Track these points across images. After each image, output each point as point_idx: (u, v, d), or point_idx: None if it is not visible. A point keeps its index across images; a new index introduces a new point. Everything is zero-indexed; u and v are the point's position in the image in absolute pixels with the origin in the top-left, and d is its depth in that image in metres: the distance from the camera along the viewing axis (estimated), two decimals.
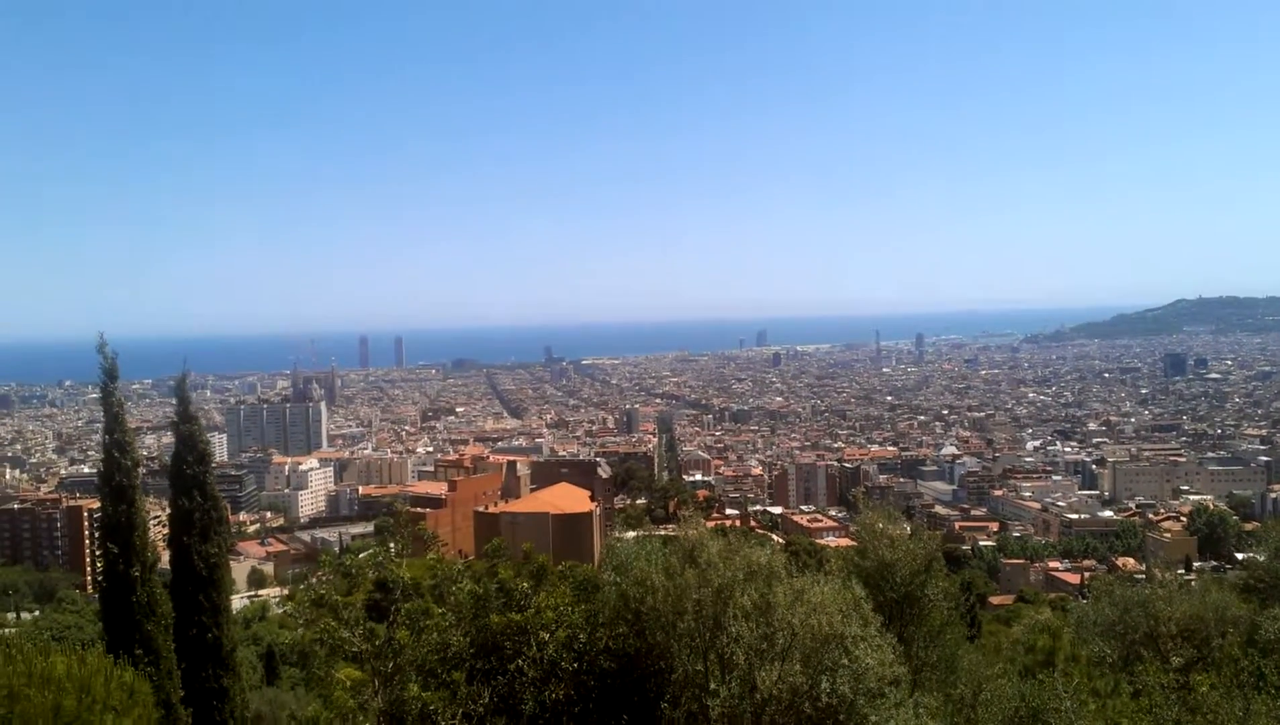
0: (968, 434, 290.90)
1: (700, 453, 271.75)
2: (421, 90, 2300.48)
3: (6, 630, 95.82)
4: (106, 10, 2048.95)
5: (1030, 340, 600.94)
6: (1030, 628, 29.70)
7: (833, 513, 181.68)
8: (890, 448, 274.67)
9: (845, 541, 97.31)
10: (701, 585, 14.05)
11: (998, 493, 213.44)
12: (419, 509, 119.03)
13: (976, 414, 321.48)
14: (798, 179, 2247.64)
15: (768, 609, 13.80)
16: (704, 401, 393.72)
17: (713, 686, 13.28)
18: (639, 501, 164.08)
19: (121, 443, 18.22)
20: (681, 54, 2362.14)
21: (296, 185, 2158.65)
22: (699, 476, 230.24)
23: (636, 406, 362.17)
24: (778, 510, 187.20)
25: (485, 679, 13.53)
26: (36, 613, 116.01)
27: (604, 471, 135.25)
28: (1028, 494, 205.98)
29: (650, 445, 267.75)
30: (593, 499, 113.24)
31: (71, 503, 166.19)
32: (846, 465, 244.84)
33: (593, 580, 16.16)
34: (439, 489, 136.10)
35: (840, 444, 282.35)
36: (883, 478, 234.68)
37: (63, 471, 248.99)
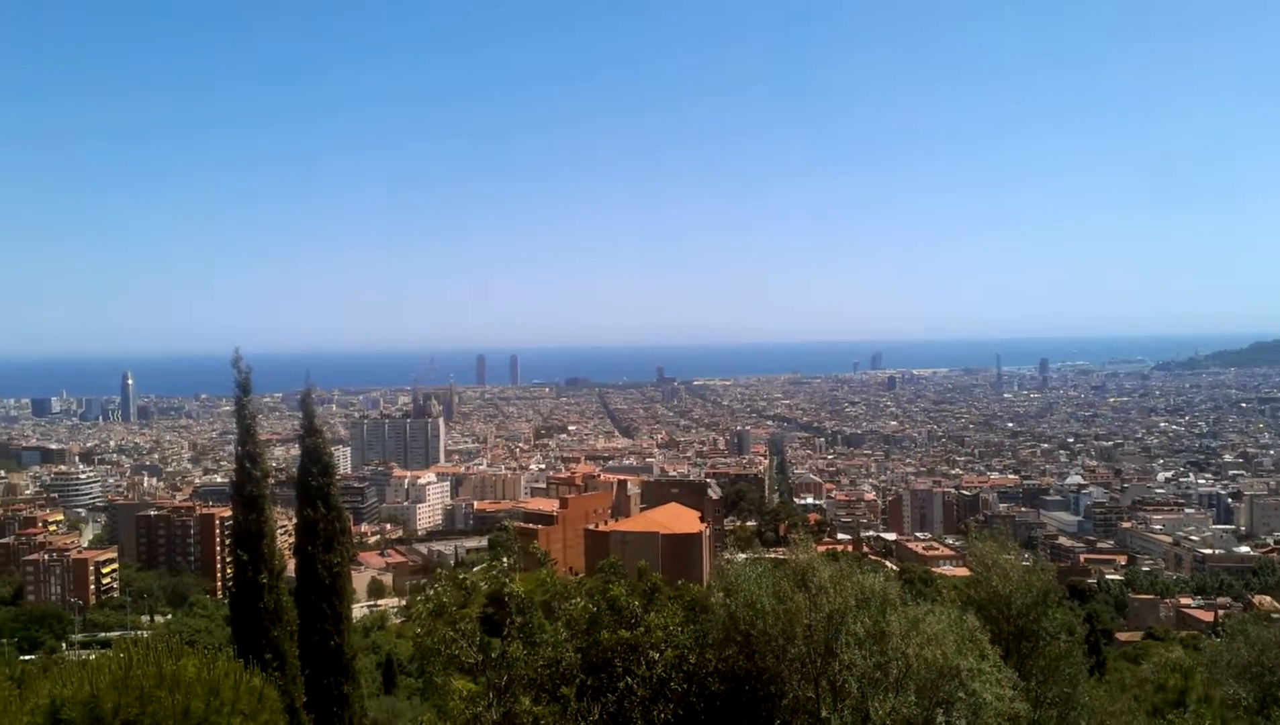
0: (1094, 463, 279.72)
1: (812, 476, 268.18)
2: (531, 116, 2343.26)
3: (141, 633, 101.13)
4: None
5: (1162, 367, 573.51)
6: (1160, 666, 28.25)
7: (949, 541, 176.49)
8: (1011, 476, 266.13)
9: (962, 571, 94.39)
10: (813, 610, 13.85)
11: (1126, 525, 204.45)
12: (531, 525, 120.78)
13: (1104, 443, 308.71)
14: (911, 201, 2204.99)
15: (881, 637, 13.52)
16: (816, 424, 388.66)
17: (824, 714, 13.07)
18: (749, 523, 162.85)
19: (253, 454, 19.03)
20: (780, 71, 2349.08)
21: (417, 207, 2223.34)
22: (810, 500, 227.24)
23: (747, 428, 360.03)
24: (891, 537, 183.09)
25: (595, 695, 13.60)
26: (169, 616, 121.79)
27: (714, 492, 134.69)
28: (1158, 527, 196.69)
29: (761, 467, 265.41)
30: (702, 520, 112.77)
31: (204, 511, 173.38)
32: (964, 492, 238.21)
33: (702, 601, 16.11)
34: (551, 506, 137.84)
35: (958, 471, 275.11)
36: (1003, 506, 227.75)
37: (197, 480, 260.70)
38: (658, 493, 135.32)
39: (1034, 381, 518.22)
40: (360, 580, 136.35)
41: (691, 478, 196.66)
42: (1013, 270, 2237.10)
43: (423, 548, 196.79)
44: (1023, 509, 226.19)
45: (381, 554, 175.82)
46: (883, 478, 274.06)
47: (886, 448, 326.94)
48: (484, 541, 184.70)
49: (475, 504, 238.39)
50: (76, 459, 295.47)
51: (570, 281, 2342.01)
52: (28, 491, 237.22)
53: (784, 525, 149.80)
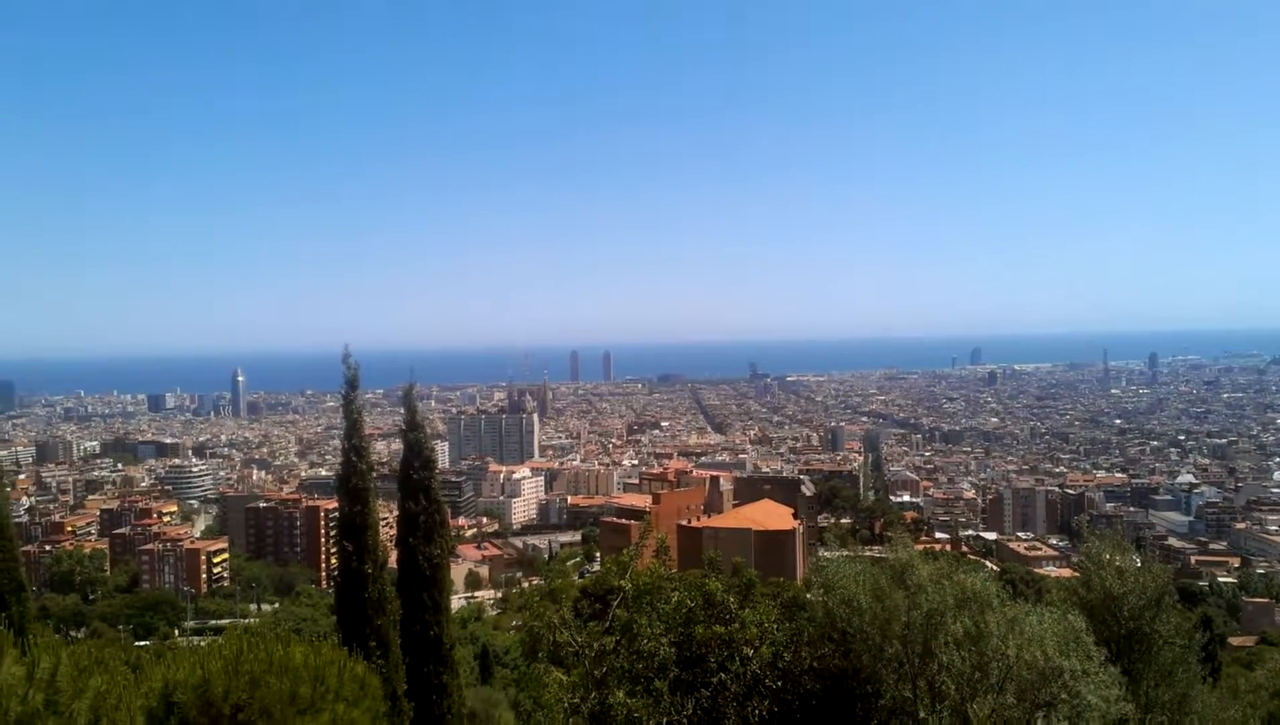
0: (1206, 462, 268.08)
1: (908, 473, 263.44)
2: (624, 120, 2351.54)
3: (250, 621, 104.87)
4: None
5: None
6: (1275, 672, 26.91)
7: (1053, 541, 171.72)
8: (1118, 474, 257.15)
9: (1066, 572, 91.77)
10: (911, 609, 13.62)
11: (1240, 526, 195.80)
12: (623, 521, 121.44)
13: (1217, 441, 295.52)
14: (1009, 192, 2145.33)
15: (981, 638, 13.22)
16: (913, 420, 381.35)
17: (922, 715, 12.85)
18: (843, 521, 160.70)
19: (359, 447, 19.50)
20: (868, 68, 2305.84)
21: (513, 205, 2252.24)
22: (907, 498, 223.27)
23: (842, 424, 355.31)
24: (991, 536, 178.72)
25: (689, 690, 13.60)
26: (276, 605, 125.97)
27: (807, 489, 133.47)
28: (1275, 528, 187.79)
29: (855, 464, 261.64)
30: (795, 517, 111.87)
31: (310, 503, 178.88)
32: (1069, 491, 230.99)
33: (798, 598, 15.98)
34: (643, 501, 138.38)
35: (1062, 469, 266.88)
36: (1109, 506, 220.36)
37: (303, 473, 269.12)
38: (751, 489, 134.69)
39: (1143, 376, 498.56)
40: (458, 573, 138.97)
41: (784, 474, 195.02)
42: (1121, 262, 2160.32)
43: (517, 541, 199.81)
44: (1131, 509, 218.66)
45: (478, 547, 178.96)
46: (983, 476, 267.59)
47: (987, 445, 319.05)
48: (577, 536, 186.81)
49: (569, 499, 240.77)
50: (190, 453, 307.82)
51: (663, 278, 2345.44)
52: (144, 484, 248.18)
53: (880, 523, 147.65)
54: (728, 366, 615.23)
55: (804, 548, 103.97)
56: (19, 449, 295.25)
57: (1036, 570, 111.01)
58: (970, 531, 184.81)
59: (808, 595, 16.27)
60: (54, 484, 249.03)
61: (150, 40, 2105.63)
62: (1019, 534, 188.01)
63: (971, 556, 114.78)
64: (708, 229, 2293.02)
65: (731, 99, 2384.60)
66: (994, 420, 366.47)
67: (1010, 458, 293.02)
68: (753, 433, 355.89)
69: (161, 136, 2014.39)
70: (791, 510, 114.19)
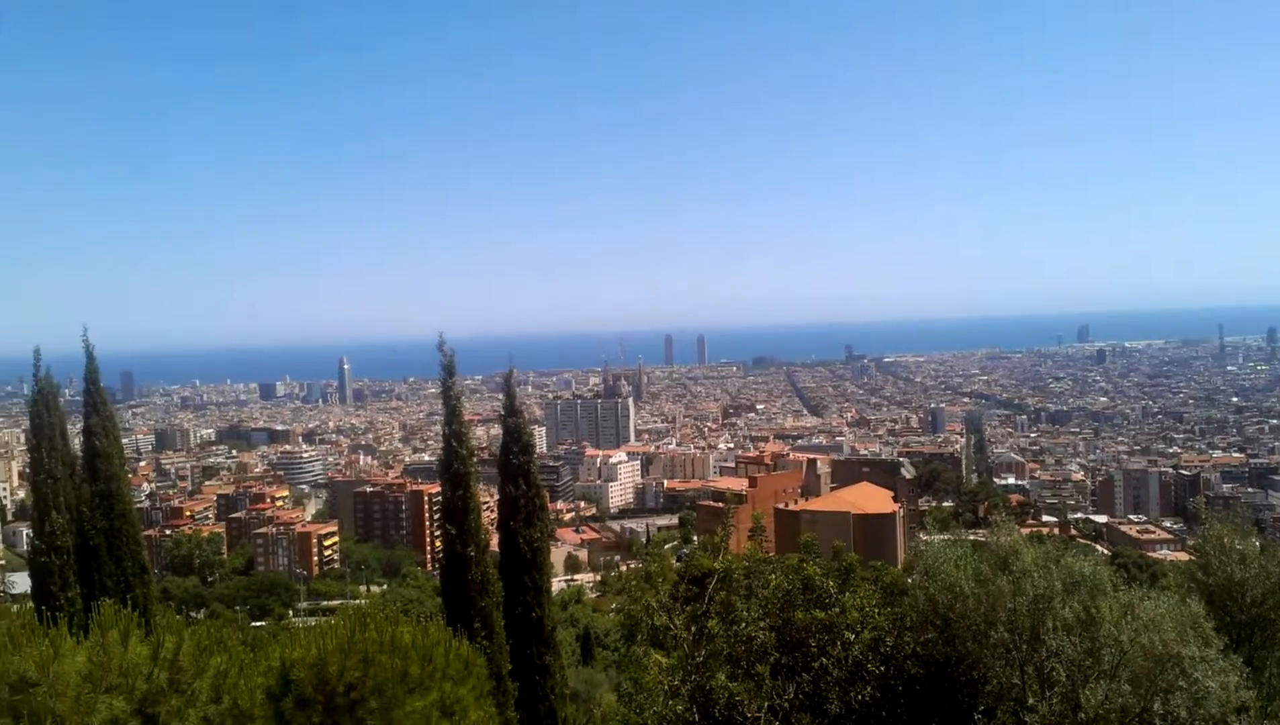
0: None
1: (1013, 455, 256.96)
2: (713, 95, 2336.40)
3: (359, 601, 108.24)
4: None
5: None
6: None
7: (1166, 523, 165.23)
8: (1236, 454, 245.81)
9: (1181, 555, 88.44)
10: (1017, 594, 13.31)
11: None
12: (720, 504, 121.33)
13: None
14: (1115, 157, 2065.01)
15: (1092, 623, 12.87)
16: (1017, 401, 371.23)
17: (1030, 701, 12.57)
18: (945, 504, 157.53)
19: (459, 433, 19.95)
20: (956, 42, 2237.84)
21: (607, 188, 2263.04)
22: (1011, 480, 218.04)
23: (942, 405, 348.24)
24: (1101, 519, 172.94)
25: (790, 675, 13.55)
26: (384, 586, 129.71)
27: (907, 472, 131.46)
28: None
29: (957, 446, 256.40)
30: (895, 500, 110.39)
31: (414, 487, 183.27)
32: (1183, 472, 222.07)
33: (899, 583, 15.78)
34: (740, 485, 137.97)
35: (1175, 449, 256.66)
36: (1227, 487, 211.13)
37: (407, 459, 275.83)
38: (848, 472, 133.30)
39: (1261, 353, 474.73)
40: (557, 556, 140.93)
41: (883, 457, 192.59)
42: (1237, 233, 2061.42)
43: (615, 525, 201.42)
44: (1249, 489, 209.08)
45: (576, 531, 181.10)
46: (1091, 457, 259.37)
47: (1096, 425, 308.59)
48: (674, 519, 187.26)
49: (665, 483, 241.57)
50: (300, 439, 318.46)
51: (756, 260, 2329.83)
52: (257, 469, 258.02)
53: (983, 506, 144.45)
54: (823, 348, 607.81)
55: (904, 531, 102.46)
56: (139, 437, 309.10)
57: (1150, 554, 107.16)
58: (1079, 514, 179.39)
59: (909, 580, 16.02)
60: (173, 470, 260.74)
61: (276, 27, 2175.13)
62: (1130, 517, 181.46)
63: (1080, 540, 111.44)
64: (801, 208, 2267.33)
65: (815, 75, 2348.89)
66: (1103, 399, 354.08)
67: (1121, 438, 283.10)
68: (850, 415, 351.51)
69: (264, 133, 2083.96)
70: (891, 493, 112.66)
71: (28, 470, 30.91)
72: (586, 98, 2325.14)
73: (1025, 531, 15.99)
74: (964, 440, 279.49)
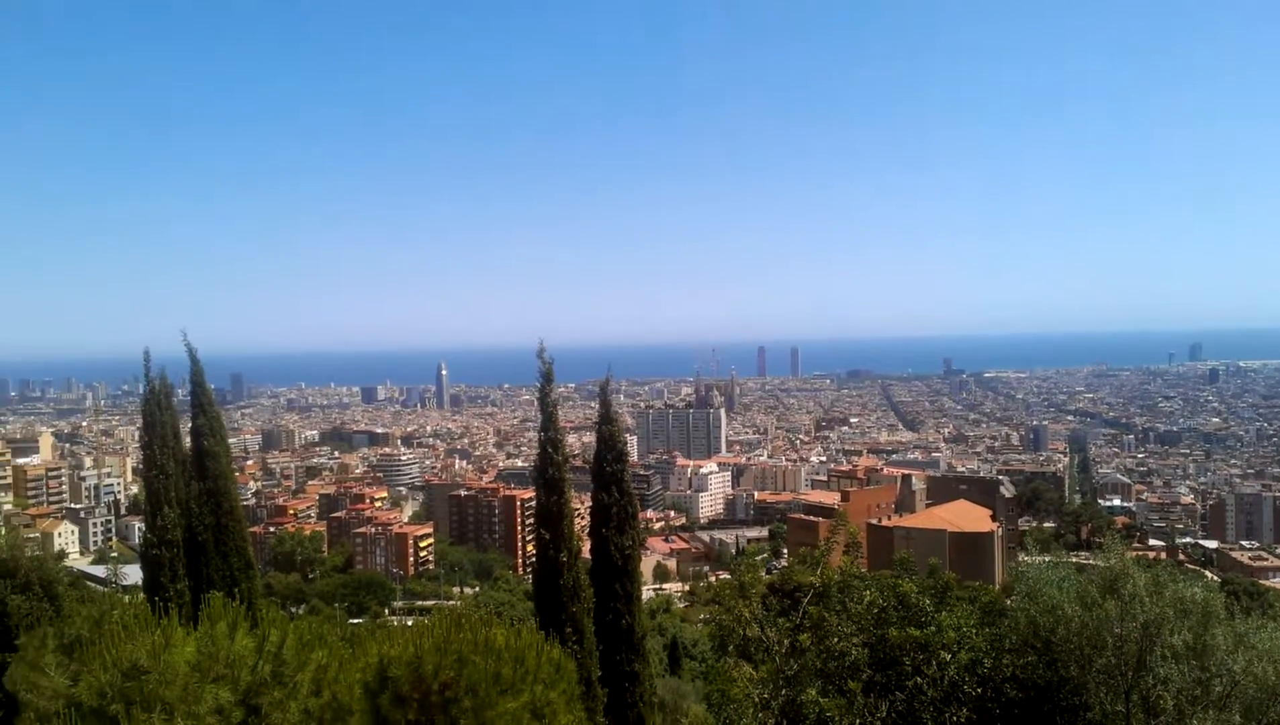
0: None
1: (1119, 476, 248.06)
2: (808, 109, 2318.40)
3: (453, 603, 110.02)
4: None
5: None
6: None
7: None
8: None
9: None
10: (1124, 619, 12.87)
11: None
12: (811, 518, 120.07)
13: None
14: (1234, 171, 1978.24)
15: (1203, 651, 12.38)
16: (1124, 420, 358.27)
17: None
18: (1045, 525, 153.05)
19: (554, 439, 20.12)
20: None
21: (703, 200, 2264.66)
22: (1117, 502, 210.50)
23: (1044, 423, 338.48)
24: (1212, 544, 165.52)
25: (882, 693, 13.32)
26: (476, 589, 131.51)
27: (1006, 491, 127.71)
28: None
29: (1060, 465, 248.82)
30: (993, 519, 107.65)
31: (507, 492, 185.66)
32: None
33: (997, 603, 15.38)
34: (831, 498, 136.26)
35: None
36: None
37: (500, 464, 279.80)
38: (945, 489, 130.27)
39: None
40: (646, 564, 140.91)
41: (981, 474, 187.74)
42: None
43: (704, 535, 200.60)
44: None
45: (666, 540, 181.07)
46: (1202, 480, 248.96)
47: (1207, 447, 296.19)
48: (764, 532, 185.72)
49: (755, 494, 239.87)
50: (398, 442, 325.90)
51: (853, 271, 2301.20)
52: (357, 470, 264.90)
53: (1087, 528, 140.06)
54: (920, 362, 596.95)
55: (1003, 552, 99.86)
56: (247, 437, 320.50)
57: (1262, 582, 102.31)
58: (1188, 539, 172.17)
59: (1008, 601, 15.60)
60: (278, 470, 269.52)
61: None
62: (1242, 543, 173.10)
63: (1189, 565, 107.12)
64: (897, 220, 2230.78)
65: (912, 89, 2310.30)
66: (1215, 420, 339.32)
67: (1234, 461, 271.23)
68: (947, 430, 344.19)
69: (371, 141, 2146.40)
70: (989, 512, 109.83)
71: (140, 467, 32.22)
72: (685, 110, 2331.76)
73: (1131, 555, 15.41)
74: (1067, 459, 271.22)
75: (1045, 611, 13.72)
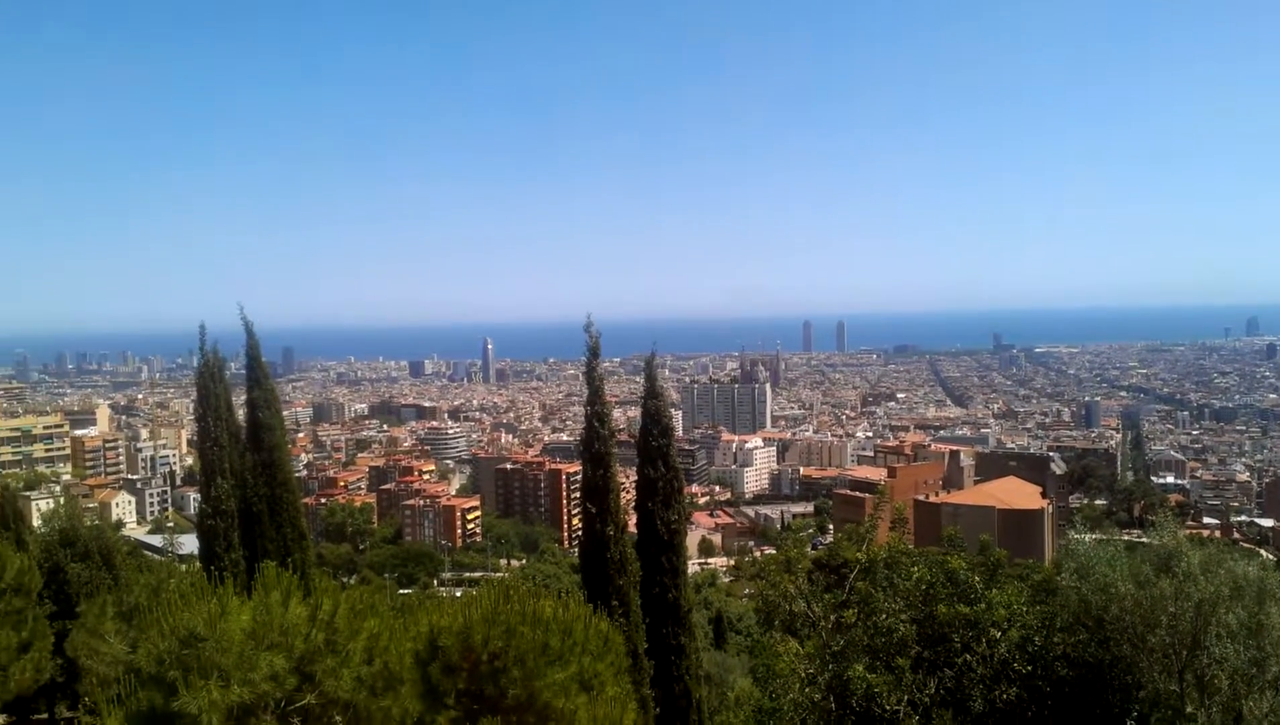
0: None
1: (1173, 453, 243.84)
2: (857, 79, 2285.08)
3: (499, 575, 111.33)
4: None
5: None
6: None
7: None
8: None
9: None
10: (1178, 598, 12.69)
11: None
12: (857, 493, 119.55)
13: None
14: None
15: (1259, 630, 12.17)
16: (1178, 396, 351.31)
17: (1189, 710, 11.98)
18: (1097, 502, 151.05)
19: (601, 414, 20.21)
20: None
21: (746, 175, 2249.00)
22: (1170, 479, 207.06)
23: (1097, 399, 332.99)
24: (1268, 523, 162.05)
25: (930, 669, 13.25)
26: (523, 561, 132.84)
27: (1057, 467, 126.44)
28: None
29: (1112, 442, 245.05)
30: (1044, 496, 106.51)
31: (552, 466, 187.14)
32: None
33: (1048, 581, 15.22)
34: (878, 474, 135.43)
35: None
36: None
37: (546, 438, 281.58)
38: (994, 465, 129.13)
39: None
40: (691, 539, 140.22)
41: (1031, 451, 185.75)
42: None
43: (749, 511, 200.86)
44: None
45: (710, 515, 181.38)
46: (1259, 457, 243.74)
47: (1264, 423, 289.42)
48: (809, 507, 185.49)
49: (800, 470, 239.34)
50: (445, 416, 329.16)
51: (899, 243, 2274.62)
52: (406, 444, 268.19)
53: (1139, 506, 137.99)
54: (968, 336, 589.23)
55: (1053, 529, 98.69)
56: (298, 410, 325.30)
57: None
58: (1243, 517, 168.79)
59: (1059, 578, 15.43)
60: (328, 442, 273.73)
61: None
62: None
63: (1244, 544, 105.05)
64: (945, 191, 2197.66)
65: (968, 57, 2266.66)
66: (1273, 396, 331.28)
67: None
68: (996, 406, 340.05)
69: (416, 116, 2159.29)
70: (1039, 489, 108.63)
71: (195, 438, 32.93)
72: (734, 86, 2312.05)
73: (1185, 533, 15.16)
74: (1119, 436, 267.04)
75: (1098, 589, 13.57)
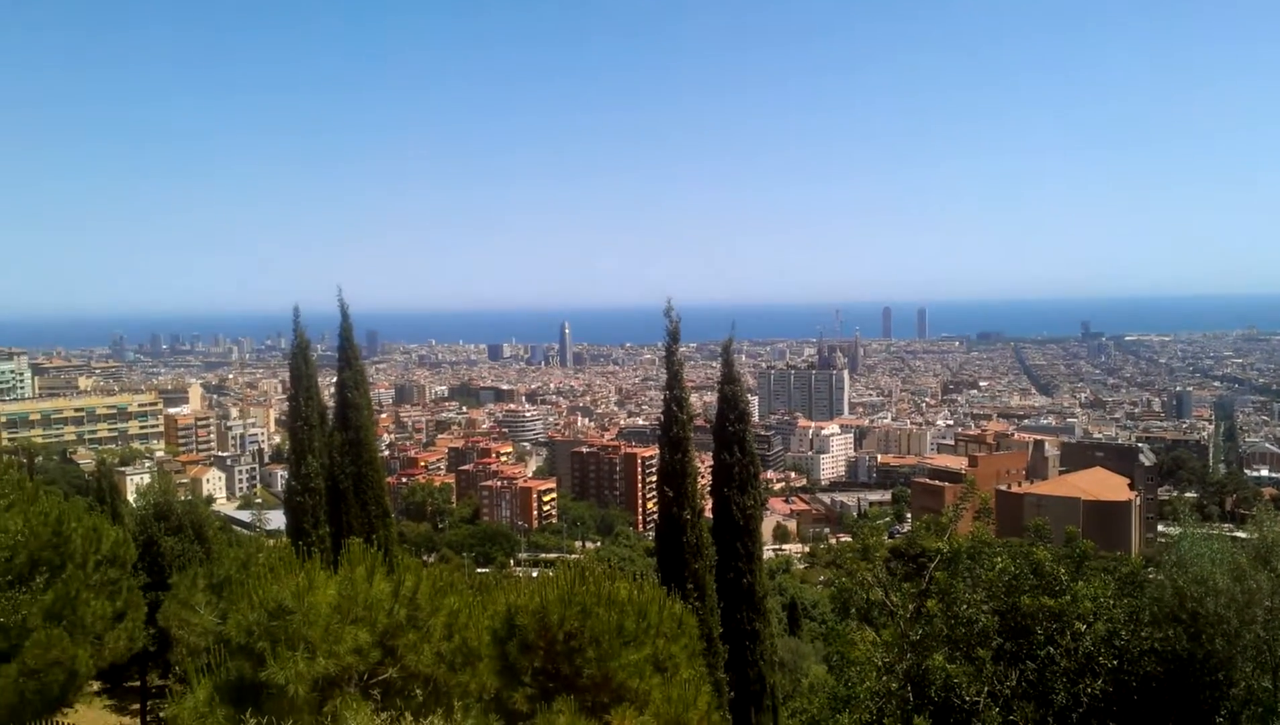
0: None
1: (1268, 445, 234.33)
2: (950, 71, 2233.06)
3: (575, 556, 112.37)
4: None
5: None
6: None
7: None
8: None
9: None
10: (1275, 593, 12.23)
11: None
12: (936, 482, 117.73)
13: None
14: None
15: None
16: (1275, 387, 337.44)
17: None
18: (1187, 494, 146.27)
19: (679, 398, 20.23)
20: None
21: (832, 168, 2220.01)
22: (1265, 472, 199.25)
23: (1189, 389, 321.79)
24: None
25: (1012, 661, 12.99)
26: (598, 543, 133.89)
27: (1146, 459, 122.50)
28: None
29: (1204, 433, 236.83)
30: (1131, 488, 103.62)
31: (628, 450, 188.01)
32: None
33: (1136, 574, 14.79)
34: (958, 463, 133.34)
35: None
36: None
37: (621, 422, 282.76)
38: (1079, 456, 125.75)
39: None
40: (766, 525, 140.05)
41: (1120, 442, 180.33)
42: None
43: (825, 498, 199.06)
44: None
45: (786, 501, 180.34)
46: None
47: None
48: (887, 495, 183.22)
49: (878, 457, 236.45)
50: (523, 399, 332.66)
51: (986, 228, 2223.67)
52: (484, 425, 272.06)
53: (1232, 499, 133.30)
54: (1054, 324, 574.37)
55: (1141, 521, 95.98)
56: (381, 391, 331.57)
57: None
58: None
59: (1148, 571, 14.98)
60: (410, 423, 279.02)
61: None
62: None
63: None
64: (1030, 177, 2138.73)
65: (1056, 49, 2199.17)
66: None
67: None
68: (1083, 395, 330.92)
69: (506, 113, 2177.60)
70: (1127, 481, 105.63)
71: (285, 417, 33.86)
72: (828, 79, 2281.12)
73: None
74: (1212, 427, 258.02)
75: (1194, 582, 13.14)
